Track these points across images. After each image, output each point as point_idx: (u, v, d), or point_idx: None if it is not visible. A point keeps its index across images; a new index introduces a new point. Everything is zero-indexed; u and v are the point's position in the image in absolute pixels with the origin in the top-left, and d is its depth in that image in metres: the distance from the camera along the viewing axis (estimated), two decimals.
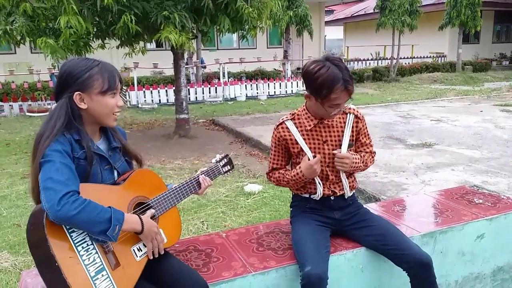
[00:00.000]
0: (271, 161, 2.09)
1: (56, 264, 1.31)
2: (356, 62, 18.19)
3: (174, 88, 8.75)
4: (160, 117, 9.71)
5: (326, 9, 22.77)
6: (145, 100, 11.49)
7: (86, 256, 1.39)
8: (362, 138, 2.05)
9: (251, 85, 12.88)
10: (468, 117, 8.57)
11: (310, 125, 1.97)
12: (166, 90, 11.79)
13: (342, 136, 1.98)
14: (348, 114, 1.99)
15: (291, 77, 13.98)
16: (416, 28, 15.39)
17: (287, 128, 1.99)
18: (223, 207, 4.03)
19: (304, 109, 2.01)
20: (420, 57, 19.39)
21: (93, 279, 1.37)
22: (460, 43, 17.51)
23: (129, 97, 11.35)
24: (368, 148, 2.09)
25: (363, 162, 2.02)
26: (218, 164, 1.98)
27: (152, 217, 1.62)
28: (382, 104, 10.72)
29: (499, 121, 8.14)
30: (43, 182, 1.35)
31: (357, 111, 2.03)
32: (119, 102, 1.57)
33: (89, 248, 1.40)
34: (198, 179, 1.85)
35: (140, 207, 1.62)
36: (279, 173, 2.06)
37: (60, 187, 1.33)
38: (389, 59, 16.90)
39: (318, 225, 1.95)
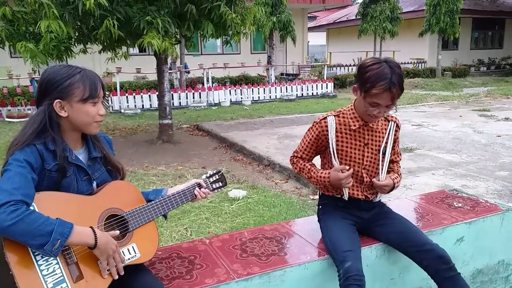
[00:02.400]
0: (301, 149, 2.11)
1: (10, 272, 1.25)
2: (338, 68, 18.41)
3: (157, 93, 8.69)
4: (143, 123, 9.62)
5: (309, 15, 23.00)
6: (128, 105, 11.38)
7: (45, 266, 1.32)
8: (396, 147, 2.10)
9: (235, 90, 12.90)
10: (448, 122, 8.76)
11: (355, 125, 1.98)
12: (149, 95, 11.70)
13: (382, 141, 2.02)
14: (391, 122, 2.04)
15: (275, 83, 14.05)
16: (397, 34, 15.72)
17: (326, 125, 2.00)
18: (207, 213, 4.01)
19: (351, 108, 2.01)
20: (401, 63, 19.72)
21: None
22: (440, 50, 17.90)
23: (111, 102, 11.22)
24: (398, 157, 2.14)
25: (399, 177, 2.11)
26: (208, 180, 1.91)
27: (125, 232, 1.56)
28: None
29: (477, 125, 8.34)
30: None
31: (397, 120, 2.08)
32: (100, 110, 1.54)
33: (49, 258, 1.33)
34: (186, 191, 1.80)
35: (112, 220, 1.55)
36: (305, 165, 2.10)
37: (3, 196, 1.27)
38: None
39: (349, 224, 2.02)
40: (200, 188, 1.84)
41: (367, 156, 2.00)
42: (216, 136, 7.84)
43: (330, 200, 2.10)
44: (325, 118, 2.01)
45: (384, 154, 2.02)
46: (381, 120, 2.01)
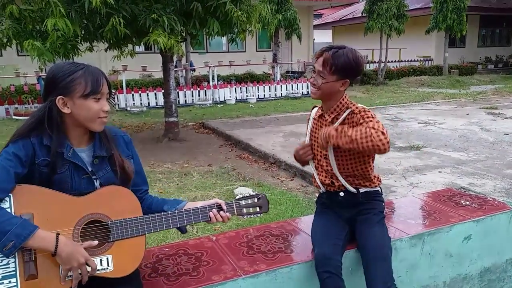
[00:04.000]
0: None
1: None
2: None
3: (163, 91, 8.71)
4: (149, 120, 9.65)
5: (315, 13, 22.93)
6: (133, 103, 11.42)
7: (0, 257, 1.30)
8: (362, 124, 1.82)
9: (240, 88, 12.89)
10: (454, 120, 8.70)
11: (316, 114, 2.09)
12: (155, 93, 11.73)
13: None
14: (347, 110, 1.92)
15: (281, 80, 14.03)
16: (404, 32, 15.59)
17: (310, 113, 2.15)
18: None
19: None
20: (408, 61, 19.63)
21: None
22: (447, 47, 17.77)
23: (117, 100, 11.26)
24: (367, 124, 1.79)
25: (353, 131, 1.77)
26: (239, 202, 1.71)
27: (104, 241, 1.46)
28: (371, 107, 10.80)
29: (485, 123, 8.27)
30: None
31: (357, 107, 1.89)
32: (104, 107, 1.50)
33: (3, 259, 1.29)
34: (200, 211, 1.63)
35: (93, 225, 1.46)
36: None
37: None
38: (377, 62, 17.07)
39: (333, 219, 2.02)
40: (219, 211, 1.66)
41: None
42: (222, 134, 7.84)
43: (317, 198, 2.21)
44: (313, 108, 2.17)
45: None
46: (340, 111, 1.95)
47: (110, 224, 1.47)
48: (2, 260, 1.29)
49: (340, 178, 2.00)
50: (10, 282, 1.29)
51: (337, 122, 1.95)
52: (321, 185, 2.10)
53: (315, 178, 2.13)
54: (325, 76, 1.87)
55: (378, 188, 2.11)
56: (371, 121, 1.80)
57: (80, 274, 1.37)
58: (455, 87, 15.49)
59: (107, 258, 1.44)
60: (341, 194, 2.03)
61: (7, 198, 1.35)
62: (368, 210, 2.01)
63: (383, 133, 1.72)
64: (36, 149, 1.42)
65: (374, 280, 1.77)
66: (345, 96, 1.97)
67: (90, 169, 1.52)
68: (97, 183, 1.53)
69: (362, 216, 2.00)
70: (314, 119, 2.10)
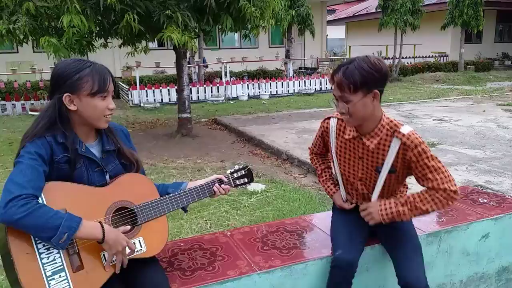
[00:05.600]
0: (313, 143, 2.12)
1: (11, 258, 1.29)
2: None
3: (176, 87, 8.75)
4: (162, 116, 9.71)
5: (328, 8, 22.75)
6: (147, 99, 11.50)
7: (46, 254, 1.34)
8: (422, 171, 1.72)
9: (253, 84, 12.88)
10: (470, 117, 8.55)
11: (349, 135, 1.83)
12: (168, 89, 11.80)
13: (382, 159, 1.77)
14: (395, 139, 1.72)
15: (293, 77, 13.97)
16: (419, 27, 15.38)
17: (327, 126, 1.94)
18: (226, 206, 4.02)
19: None
20: (422, 57, 19.37)
21: (48, 278, 1.32)
22: (463, 43, 17.48)
23: (131, 96, 11.36)
24: (431, 183, 1.71)
25: (410, 206, 1.74)
26: (231, 175, 1.87)
27: (133, 225, 1.55)
28: (385, 103, 10.70)
29: (501, 120, 8.12)
30: (6, 183, 1.34)
31: (409, 139, 1.70)
32: (110, 104, 1.53)
33: (50, 246, 1.35)
34: (205, 186, 1.77)
35: (122, 212, 1.55)
36: (317, 167, 2.16)
37: (14, 189, 1.30)
38: (391, 58, 16.88)
39: (354, 218, 1.93)
40: (220, 184, 1.80)
41: (362, 169, 1.85)
42: (234, 130, 7.85)
43: None
44: (328, 118, 1.95)
45: (378, 172, 1.80)
46: (385, 137, 1.74)
47: (136, 208, 1.56)
48: (48, 257, 1.34)
49: (373, 200, 1.87)
50: (60, 276, 1.34)
51: (387, 159, 1.74)
52: (344, 197, 2.01)
53: (339, 189, 2.04)
54: (349, 99, 1.65)
55: None
56: (433, 168, 1.69)
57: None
58: (471, 83, 15.24)
59: (139, 240, 1.55)
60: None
61: (41, 195, 1.38)
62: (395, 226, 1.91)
63: (455, 192, 1.70)
64: (53, 147, 1.44)
65: (414, 272, 1.74)
66: (384, 115, 1.76)
67: (101, 162, 1.57)
68: (107, 176, 1.58)
69: (388, 230, 1.91)
70: (341, 136, 1.87)
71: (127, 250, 1.47)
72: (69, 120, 1.49)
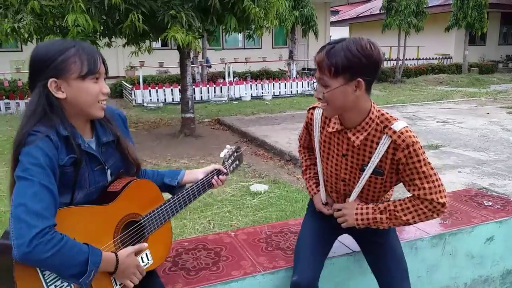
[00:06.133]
0: (300, 135, 1.94)
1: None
2: None
3: (179, 87, 8.76)
4: (166, 116, 9.72)
5: (332, 9, 22.75)
6: (150, 99, 11.51)
7: (52, 281, 1.18)
8: (410, 175, 1.51)
9: (256, 85, 12.88)
10: (474, 119, 8.53)
11: (332, 128, 1.60)
12: (172, 89, 11.81)
13: (368, 158, 1.55)
14: (385, 136, 1.49)
15: (297, 77, 13.97)
16: (422, 29, 15.35)
17: (311, 117, 1.72)
18: (229, 207, 4.02)
19: None
20: (426, 59, 19.33)
21: None
22: (466, 45, 17.44)
23: (134, 96, 11.38)
24: (417, 191, 1.50)
25: (389, 215, 1.55)
26: (227, 162, 1.80)
27: (141, 238, 1.44)
28: (388, 105, 10.68)
29: (505, 123, 8.09)
30: (16, 208, 1.11)
31: (400, 137, 1.47)
32: (103, 88, 1.31)
33: (62, 285, 1.20)
34: (205, 181, 1.67)
35: (130, 229, 1.41)
36: (302, 162, 1.94)
37: (35, 221, 1.09)
38: (395, 60, 16.85)
39: (324, 226, 1.76)
40: (218, 175, 1.72)
41: (345, 169, 1.62)
42: (237, 130, 7.85)
43: (311, 201, 1.92)
44: (313, 108, 1.72)
45: (362, 171, 1.58)
46: (373, 132, 1.52)
47: (143, 220, 1.44)
48: (55, 285, 1.20)
49: (350, 200, 1.68)
50: None
51: (374, 157, 1.52)
52: (324, 199, 1.79)
53: (318, 190, 1.82)
54: (327, 83, 1.42)
55: None
56: (423, 174, 1.48)
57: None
58: (474, 85, 15.19)
59: (146, 254, 1.45)
60: None
61: None
62: (374, 236, 1.73)
63: (443, 204, 1.50)
64: (59, 147, 1.23)
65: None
66: (373, 107, 1.52)
67: (101, 159, 1.38)
68: (108, 173, 1.41)
69: (366, 236, 1.75)
70: (324, 128, 1.66)
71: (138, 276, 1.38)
72: (62, 110, 1.26)
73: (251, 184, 4.69)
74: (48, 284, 1.18)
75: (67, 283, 1.21)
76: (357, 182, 1.61)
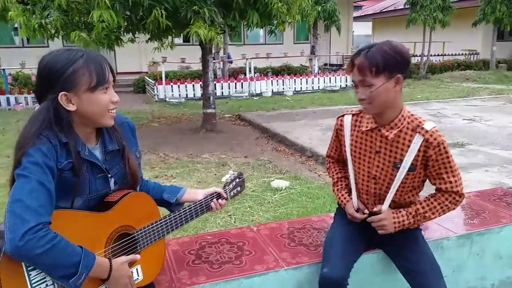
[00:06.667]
0: (329, 146, 2.01)
1: None
2: None
3: (201, 82, 8.81)
4: (187, 111, 9.81)
5: (355, 4, 22.42)
6: (172, 94, 11.63)
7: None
8: (437, 170, 1.65)
9: (277, 80, 12.84)
10: (502, 117, 8.27)
11: (366, 127, 1.71)
12: (193, 85, 11.90)
13: (400, 154, 1.66)
14: (417, 135, 1.62)
15: (318, 73, 13.85)
16: (448, 24, 14.96)
17: (341, 124, 1.83)
18: (250, 202, 4.03)
19: None
20: (452, 55, 18.85)
21: None
22: (495, 40, 16.93)
23: (157, 91, 11.52)
24: (443, 184, 1.67)
25: (420, 217, 1.71)
26: (228, 187, 1.79)
27: (133, 252, 1.42)
28: (412, 102, 10.48)
29: None
30: (12, 203, 1.13)
31: (432, 136, 1.61)
32: (113, 97, 1.31)
33: (45, 280, 1.18)
34: (204, 203, 1.67)
35: (123, 240, 1.39)
36: (333, 175, 2.00)
37: (29, 217, 1.10)
38: (419, 56, 16.50)
39: (355, 229, 1.81)
40: (218, 199, 1.71)
41: (377, 166, 1.71)
42: (258, 126, 7.85)
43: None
44: (342, 116, 1.85)
45: (398, 168, 1.67)
46: (405, 129, 1.64)
47: (137, 234, 1.42)
48: None
49: (386, 202, 1.74)
50: None
51: (407, 155, 1.63)
52: (356, 206, 1.83)
53: (350, 198, 1.86)
54: (371, 82, 1.54)
55: None
56: (452, 172, 1.65)
57: None
58: (503, 82, 14.74)
59: (137, 269, 1.42)
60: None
61: None
62: (399, 232, 1.76)
63: (463, 195, 1.70)
64: (58, 151, 1.24)
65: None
66: (404, 106, 1.67)
67: (104, 166, 1.38)
68: (111, 182, 1.41)
69: (396, 241, 1.78)
70: (356, 131, 1.76)
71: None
72: (69, 123, 1.28)
73: (272, 180, 4.69)
74: (33, 285, 1.17)
75: (52, 285, 1.19)
76: (388, 178, 1.71)
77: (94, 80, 1.25)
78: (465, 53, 18.75)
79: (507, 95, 11.67)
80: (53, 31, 6.18)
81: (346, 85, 13.69)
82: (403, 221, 1.72)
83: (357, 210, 1.82)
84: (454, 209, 1.73)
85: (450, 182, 1.66)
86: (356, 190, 1.82)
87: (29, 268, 1.16)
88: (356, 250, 1.77)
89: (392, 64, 1.53)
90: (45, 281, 1.18)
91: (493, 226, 2.16)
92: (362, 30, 30.50)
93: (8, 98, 10.53)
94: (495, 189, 2.81)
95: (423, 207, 1.72)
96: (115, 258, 1.33)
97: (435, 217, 1.74)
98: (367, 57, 1.53)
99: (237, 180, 1.85)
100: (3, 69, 10.96)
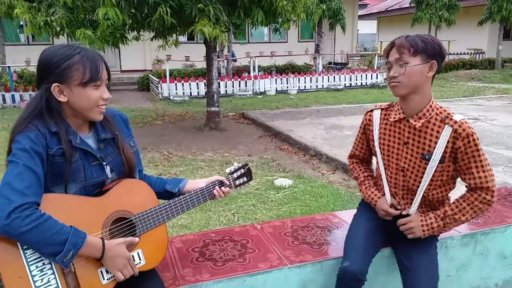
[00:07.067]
0: (354, 145, 2.00)
1: (1, 283, 1.17)
2: None
3: (204, 81, 8.83)
4: (191, 109, 9.81)
5: (360, 3, 22.34)
6: (176, 92, 11.64)
7: (40, 276, 1.22)
8: (467, 164, 1.63)
9: (281, 79, 12.82)
10: (508, 117, 8.23)
11: (394, 118, 1.72)
12: (197, 83, 11.90)
13: (429, 145, 1.66)
14: (446, 126, 1.62)
15: (322, 72, 13.82)
16: (454, 23, 14.90)
17: (370, 118, 1.85)
18: (254, 200, 4.03)
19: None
20: (457, 54, 18.75)
21: None
22: (501, 39, 16.81)
23: (161, 89, 11.54)
24: (473, 180, 1.64)
25: (449, 220, 1.68)
26: (231, 176, 1.78)
27: (132, 236, 1.44)
28: None
29: None
30: (1, 187, 1.21)
31: (461, 127, 1.60)
32: (104, 94, 1.38)
33: (44, 267, 1.24)
34: (205, 190, 1.67)
35: (119, 224, 1.42)
36: (359, 175, 1.99)
37: (15, 197, 1.18)
38: None
39: (374, 225, 1.83)
40: (221, 187, 1.71)
41: (406, 157, 1.72)
42: (262, 124, 7.85)
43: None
44: (371, 111, 1.87)
45: (427, 160, 1.66)
46: (433, 120, 1.65)
47: (135, 219, 1.45)
48: (42, 279, 1.23)
49: (417, 198, 1.73)
50: None
51: (438, 147, 1.63)
52: (388, 200, 1.82)
53: (382, 194, 1.86)
54: (407, 60, 1.58)
55: None
56: (482, 167, 1.62)
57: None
58: (508, 82, 14.64)
59: (138, 253, 1.44)
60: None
61: None
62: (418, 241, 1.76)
63: (493, 193, 1.64)
64: (48, 139, 1.31)
65: None
66: (432, 98, 1.69)
67: (99, 155, 1.44)
68: (107, 169, 1.46)
69: (411, 242, 1.77)
70: (385, 123, 1.78)
71: (130, 271, 1.37)
72: (59, 112, 1.36)
73: (275, 178, 4.69)
74: (29, 263, 1.23)
75: (49, 264, 1.25)
76: (416, 171, 1.70)
77: (87, 76, 1.33)
78: (471, 52, 18.63)
79: None
80: (58, 29, 6.20)
81: (350, 83, 13.66)
82: (431, 223, 1.70)
83: (391, 206, 1.81)
84: (486, 210, 1.67)
85: (480, 178, 1.62)
86: (388, 186, 1.82)
87: (24, 248, 1.23)
88: (376, 245, 1.79)
89: (430, 49, 1.59)
90: (42, 260, 1.25)
91: (498, 225, 2.16)
92: (367, 28, 30.38)
93: (13, 96, 10.59)
94: (500, 189, 2.79)
95: (451, 209, 1.69)
96: (111, 238, 1.37)
97: (466, 220, 1.68)
98: (408, 39, 1.61)
99: (242, 170, 1.81)
100: (8, 67, 11.01)
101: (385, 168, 1.81)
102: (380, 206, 1.82)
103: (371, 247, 1.74)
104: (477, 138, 1.62)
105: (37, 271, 1.23)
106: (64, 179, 1.34)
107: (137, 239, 1.41)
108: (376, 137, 1.82)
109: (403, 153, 1.72)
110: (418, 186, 1.72)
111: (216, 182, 1.71)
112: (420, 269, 1.67)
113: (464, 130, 1.60)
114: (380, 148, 1.81)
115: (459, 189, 1.79)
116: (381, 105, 1.85)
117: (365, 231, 1.80)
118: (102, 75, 1.37)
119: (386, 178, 1.82)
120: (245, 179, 1.82)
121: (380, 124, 1.80)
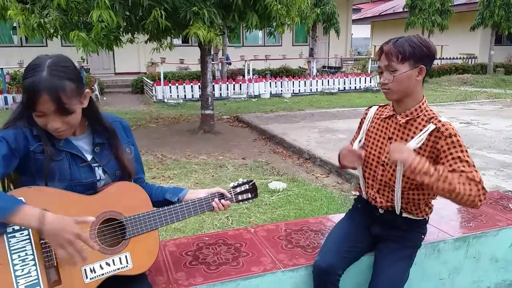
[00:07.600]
0: (353, 137, 2.00)
1: None
2: None
3: (199, 83, 8.82)
4: (185, 112, 9.80)
5: (354, 7, 22.46)
6: (171, 95, 11.62)
7: (20, 266, 1.23)
8: (453, 165, 1.57)
9: (275, 82, 12.85)
10: (499, 121, 8.31)
11: (385, 115, 1.79)
12: (192, 86, 11.89)
13: (410, 141, 1.68)
14: (430, 124, 1.64)
15: (317, 75, 13.87)
16: (447, 28, 15.04)
17: (367, 112, 1.93)
18: (247, 203, 4.03)
19: None
20: (450, 58, 18.92)
21: None
22: (492, 45, 17.00)
23: (155, 92, 11.51)
24: (459, 169, 1.56)
25: (438, 174, 1.51)
26: (234, 190, 1.75)
27: (121, 239, 1.43)
28: None
29: None
30: None
31: (444, 126, 1.61)
32: (48, 125, 1.32)
33: (27, 258, 1.24)
34: (204, 201, 1.65)
35: (109, 224, 1.42)
36: None
37: None
38: None
39: (357, 230, 1.85)
40: (221, 199, 1.68)
41: (387, 152, 1.72)
42: (256, 128, 7.85)
43: (355, 201, 2.00)
44: (371, 107, 1.94)
45: None
46: (419, 120, 1.68)
47: (125, 221, 1.44)
48: (23, 269, 1.23)
49: (397, 194, 1.73)
50: None
51: (416, 137, 1.65)
52: (364, 194, 1.88)
53: (360, 185, 1.92)
54: (396, 68, 1.62)
55: (425, 218, 1.84)
56: (467, 162, 1.55)
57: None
58: (500, 86, 14.80)
59: (125, 256, 1.42)
60: (380, 211, 1.81)
61: (21, 198, 1.26)
62: (399, 239, 1.79)
63: (485, 190, 1.54)
64: (29, 137, 1.34)
65: None
66: (424, 101, 1.72)
67: (89, 157, 1.44)
68: (99, 171, 1.46)
69: (390, 243, 1.79)
70: (377, 118, 1.84)
71: (80, 244, 1.26)
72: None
73: (269, 182, 4.69)
74: (12, 252, 1.24)
75: (32, 255, 1.25)
76: (394, 167, 1.72)
77: (24, 104, 1.32)
78: (463, 57, 18.81)
79: (504, 99, 11.73)
80: (52, 31, 6.16)
81: (344, 87, 13.72)
82: (424, 162, 1.52)
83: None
84: (475, 202, 1.53)
85: (471, 172, 1.53)
86: (363, 176, 1.86)
87: (9, 235, 1.24)
88: (351, 247, 1.79)
89: (418, 54, 1.61)
90: (25, 250, 1.25)
91: (490, 229, 2.17)
92: (361, 33, 30.57)
93: (5, 97, 10.50)
94: (492, 193, 2.82)
95: (444, 170, 1.53)
96: (102, 238, 1.38)
97: (455, 189, 1.50)
98: (396, 45, 1.63)
99: (247, 186, 1.78)
100: (1, 68, 10.91)
101: (365, 161, 1.83)
102: (344, 149, 1.83)
103: (345, 244, 1.78)
104: (461, 140, 1.59)
105: (19, 260, 1.23)
106: (44, 175, 1.34)
107: (92, 218, 1.33)
108: (365, 128, 1.88)
109: (386, 148, 1.76)
110: (394, 182, 1.72)
111: (217, 194, 1.69)
112: (389, 269, 1.70)
113: (447, 129, 1.60)
114: (366, 140, 1.86)
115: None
116: (379, 104, 1.93)
117: (343, 232, 1.86)
118: (40, 108, 1.28)
119: (365, 170, 1.84)
120: (249, 195, 1.78)
121: (372, 119, 1.87)
